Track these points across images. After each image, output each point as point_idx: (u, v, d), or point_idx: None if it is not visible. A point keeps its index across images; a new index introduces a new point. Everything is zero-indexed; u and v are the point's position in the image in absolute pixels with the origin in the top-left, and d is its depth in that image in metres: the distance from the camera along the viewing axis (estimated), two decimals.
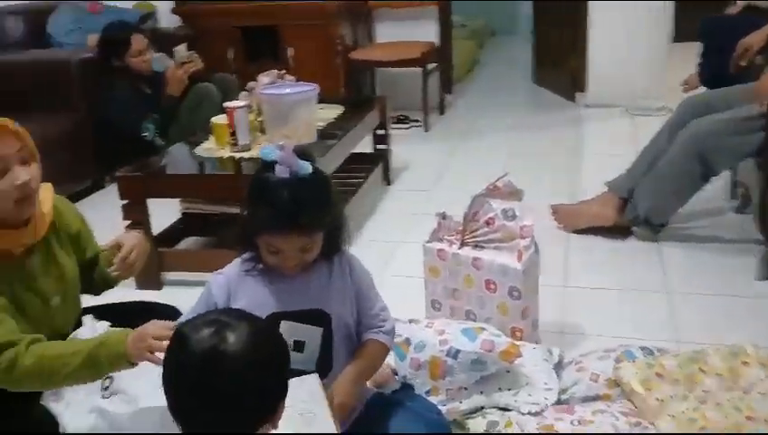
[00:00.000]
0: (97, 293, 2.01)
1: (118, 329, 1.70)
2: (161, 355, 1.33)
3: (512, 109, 5.29)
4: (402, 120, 4.99)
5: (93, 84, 3.75)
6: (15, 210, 1.65)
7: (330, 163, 2.80)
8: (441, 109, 5.23)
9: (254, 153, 2.72)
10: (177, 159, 2.90)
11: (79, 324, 1.89)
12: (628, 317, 2.36)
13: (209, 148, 2.84)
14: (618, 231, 2.96)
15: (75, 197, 3.69)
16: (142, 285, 2.69)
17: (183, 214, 3.03)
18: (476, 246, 2.16)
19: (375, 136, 3.71)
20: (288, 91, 2.80)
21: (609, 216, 2.97)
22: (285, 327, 1.59)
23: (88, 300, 1.99)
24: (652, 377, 1.83)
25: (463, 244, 2.18)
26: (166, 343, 1.20)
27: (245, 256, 1.63)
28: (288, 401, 1.35)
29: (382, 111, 3.58)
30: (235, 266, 1.64)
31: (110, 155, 3.71)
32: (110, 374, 1.79)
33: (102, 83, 3.72)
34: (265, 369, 1.10)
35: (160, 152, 3.16)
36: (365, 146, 3.73)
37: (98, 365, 1.61)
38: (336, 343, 1.64)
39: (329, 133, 3.01)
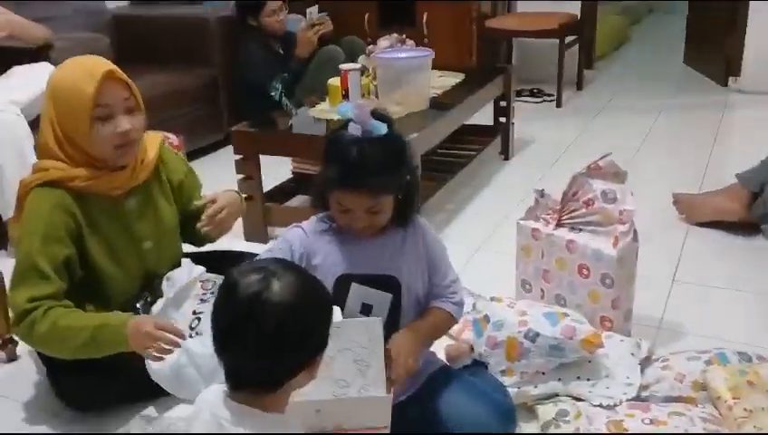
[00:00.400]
0: (198, 245, 2.11)
1: (118, 313, 1.77)
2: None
3: (655, 89, 4.99)
4: (535, 93, 4.86)
5: (229, 42, 3.91)
6: (114, 155, 1.77)
7: (436, 132, 2.78)
8: (579, 84, 5.03)
9: None
10: (292, 118, 2.97)
11: (178, 266, 2.00)
12: (737, 320, 2.18)
13: (323, 109, 2.89)
14: (743, 228, 2.73)
15: (206, 150, 3.89)
16: (250, 237, 2.81)
17: (294, 174, 3.11)
18: (573, 227, 2.07)
19: (496, 107, 3.62)
20: (402, 55, 2.78)
21: (735, 210, 2.74)
22: (355, 289, 1.60)
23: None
24: (743, 385, 1.69)
25: (559, 224, 2.09)
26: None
27: (321, 215, 1.65)
28: (347, 341, 1.38)
29: (506, 83, 3.49)
30: (311, 223, 1.66)
31: (241, 111, 3.87)
32: (199, 314, 1.89)
33: (237, 42, 3.87)
34: (305, 320, 1.11)
35: (284, 111, 3.25)
36: (487, 117, 3.67)
37: (99, 345, 1.70)
38: (404, 311, 1.63)
39: (442, 102, 2.97)
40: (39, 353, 1.89)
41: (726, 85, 4.83)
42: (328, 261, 1.59)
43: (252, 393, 1.13)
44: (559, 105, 4.65)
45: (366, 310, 1.61)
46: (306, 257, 1.61)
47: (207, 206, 1.95)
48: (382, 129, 1.49)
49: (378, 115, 1.51)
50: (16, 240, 1.78)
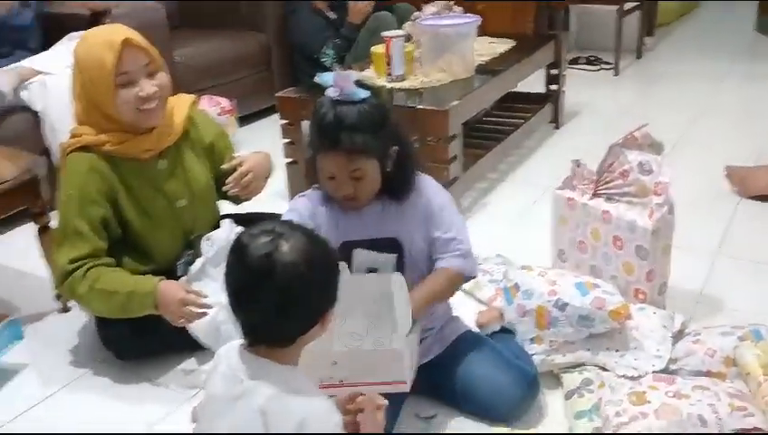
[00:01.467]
0: (236, 204, 2.17)
1: (149, 277, 1.85)
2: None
3: (720, 57, 4.80)
4: (592, 61, 4.75)
5: (282, 8, 3.94)
6: (140, 118, 1.84)
7: (479, 99, 2.75)
8: (638, 52, 4.89)
9: (407, 84, 2.74)
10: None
11: (217, 226, 2.07)
12: None
13: (369, 76, 2.90)
14: None
15: (258, 115, 3.96)
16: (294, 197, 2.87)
17: None
18: (609, 198, 2.04)
19: (548, 75, 3.56)
20: (446, 22, 2.76)
21: None
22: (358, 255, 1.63)
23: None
24: None
25: (595, 195, 2.07)
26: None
27: (312, 189, 1.69)
28: (359, 296, 1.42)
29: (557, 50, 3.42)
30: (314, 192, 1.69)
31: (293, 77, 3.91)
32: None
33: (289, 7, 3.90)
34: (313, 278, 1.14)
35: None
36: (539, 85, 3.61)
37: (132, 309, 1.81)
38: (408, 270, 1.64)
39: (487, 69, 2.94)
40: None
41: None
42: (329, 229, 1.62)
43: (267, 348, 1.17)
44: (616, 74, 4.54)
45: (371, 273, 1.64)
46: (310, 217, 1.64)
47: (234, 167, 2.01)
48: (361, 93, 1.51)
49: (361, 84, 1.54)
50: (57, 203, 1.87)
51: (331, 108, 1.50)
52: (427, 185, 1.69)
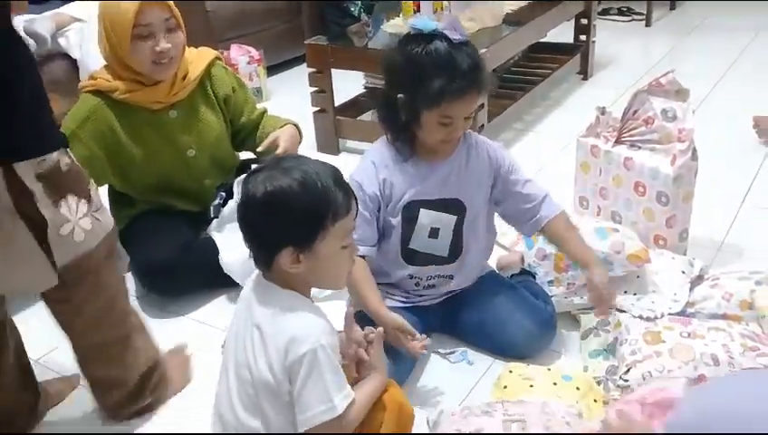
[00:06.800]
0: (256, 155, 2.24)
1: None
2: None
3: (756, 9, 4.69)
4: (624, 11, 4.68)
5: None
6: (152, 70, 1.92)
7: (507, 48, 2.75)
8: (672, 2, 4.80)
9: None
10: (366, 32, 3.02)
11: (241, 170, 2.15)
12: None
13: (397, 24, 2.92)
14: None
15: (288, 64, 3.99)
16: (322, 148, 2.92)
17: (366, 88, 3.17)
18: (632, 145, 2.06)
19: (577, 25, 3.53)
20: None
21: None
22: (424, 214, 1.68)
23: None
24: None
25: (618, 141, 2.09)
26: None
27: (384, 141, 1.68)
28: None
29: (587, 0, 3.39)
30: (379, 154, 1.67)
31: (322, 26, 3.93)
32: None
33: None
34: (270, 213, 1.17)
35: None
36: (569, 35, 3.59)
37: None
38: (465, 230, 1.70)
39: (516, 18, 2.94)
40: (121, 241, 2.09)
41: None
42: (399, 189, 1.65)
43: (270, 274, 1.23)
44: (648, 24, 4.48)
45: (434, 233, 1.70)
46: (381, 190, 1.65)
47: (270, 148, 2.07)
48: (466, 32, 1.56)
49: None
50: None
51: (459, 52, 1.52)
52: (492, 149, 1.72)
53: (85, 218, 1.36)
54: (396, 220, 1.67)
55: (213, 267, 1.99)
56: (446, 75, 1.50)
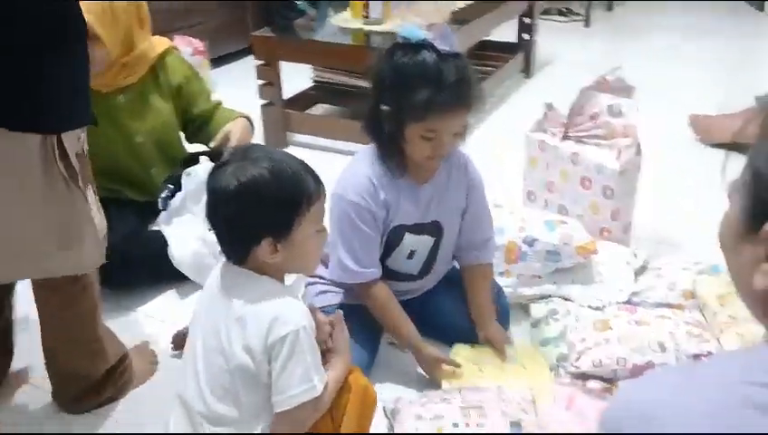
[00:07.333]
0: (207, 145, 2.21)
1: None
2: None
3: (690, 11, 4.87)
4: (564, 12, 4.79)
5: None
6: None
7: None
8: (609, 4, 4.94)
9: (384, 28, 2.76)
10: (314, 26, 3.01)
11: (188, 163, 2.12)
12: None
13: (345, 19, 2.92)
14: None
15: (233, 56, 3.94)
16: (270, 142, 2.90)
17: (315, 82, 3.16)
18: (579, 140, 2.11)
19: (520, 24, 3.60)
20: None
21: (751, 133, 2.74)
22: (408, 238, 1.65)
23: None
24: (730, 294, 1.75)
25: (565, 137, 2.14)
26: None
27: (373, 155, 1.59)
28: None
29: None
30: (372, 168, 1.58)
31: (268, 19, 3.89)
32: None
33: None
34: (245, 203, 1.15)
35: (308, 19, 3.28)
36: (511, 34, 3.65)
37: None
38: (440, 250, 1.70)
39: (462, 16, 2.97)
40: None
41: (763, 10, 4.71)
42: (392, 212, 1.61)
43: (252, 265, 1.20)
44: (587, 25, 4.60)
45: (411, 254, 1.69)
46: (385, 210, 1.60)
47: (223, 142, 2.06)
48: (457, 45, 1.49)
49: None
50: None
51: (448, 64, 1.44)
52: (472, 173, 1.69)
53: (98, 213, 1.38)
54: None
55: (161, 260, 1.96)
56: (432, 87, 1.42)
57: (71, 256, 1.33)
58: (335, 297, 1.73)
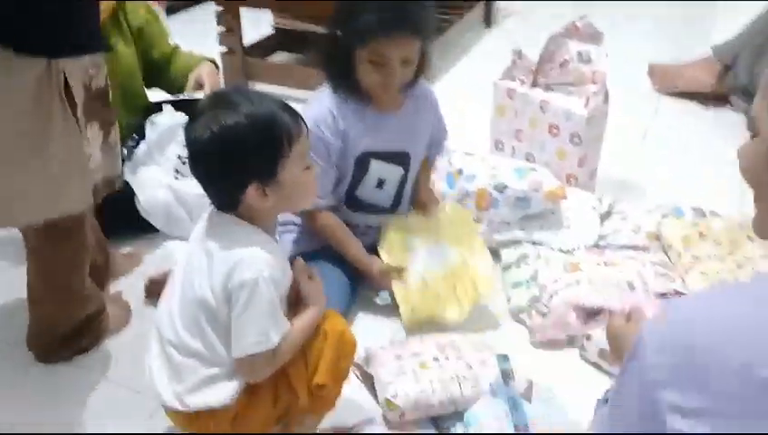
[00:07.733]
0: (172, 93, 2.17)
1: None
2: None
3: None
4: None
5: None
6: None
7: None
8: None
9: None
10: None
11: (150, 111, 2.06)
12: (700, 184, 2.27)
13: None
14: (714, 99, 2.81)
15: (190, 3, 3.82)
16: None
17: (275, 29, 3.09)
18: (548, 87, 2.13)
19: None
20: None
21: (707, 81, 2.81)
22: (375, 166, 1.67)
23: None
24: (694, 235, 1.82)
25: (534, 84, 2.15)
26: None
27: (330, 88, 1.61)
28: None
29: None
30: (330, 98, 1.60)
31: None
32: (184, 158, 1.97)
33: None
34: (228, 150, 1.13)
35: None
36: None
37: None
38: (408, 180, 1.73)
39: None
40: None
41: None
42: (355, 141, 1.62)
43: (245, 212, 1.19)
44: None
45: (380, 184, 1.70)
46: (343, 141, 1.61)
47: (195, 88, 2.04)
48: None
49: None
50: None
51: None
52: (437, 108, 1.75)
53: (97, 151, 1.33)
54: (347, 170, 1.66)
55: (129, 210, 1.92)
56: (376, 9, 1.46)
57: (50, 193, 1.29)
58: (309, 244, 1.73)
